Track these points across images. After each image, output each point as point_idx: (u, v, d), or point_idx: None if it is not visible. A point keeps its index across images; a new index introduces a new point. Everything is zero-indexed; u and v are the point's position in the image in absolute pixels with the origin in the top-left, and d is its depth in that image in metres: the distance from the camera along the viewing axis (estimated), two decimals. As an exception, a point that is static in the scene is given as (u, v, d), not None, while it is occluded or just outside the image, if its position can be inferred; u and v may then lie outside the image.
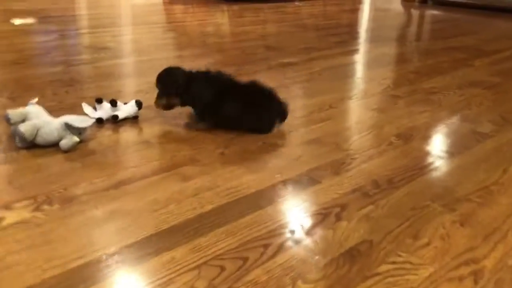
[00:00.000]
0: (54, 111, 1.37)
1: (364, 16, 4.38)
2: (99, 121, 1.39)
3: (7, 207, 0.98)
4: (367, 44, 2.94)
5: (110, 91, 1.73)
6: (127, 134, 1.38)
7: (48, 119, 1.27)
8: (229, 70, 2.03)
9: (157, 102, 1.45)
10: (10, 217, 0.94)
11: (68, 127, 1.25)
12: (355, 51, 2.70)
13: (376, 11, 4.68)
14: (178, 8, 4.12)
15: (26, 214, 0.96)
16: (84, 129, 1.28)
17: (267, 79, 2.01)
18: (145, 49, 2.50)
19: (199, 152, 1.27)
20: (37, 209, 0.98)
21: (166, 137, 1.37)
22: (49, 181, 1.09)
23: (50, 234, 0.90)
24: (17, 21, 3.07)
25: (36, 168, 1.15)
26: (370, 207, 1.03)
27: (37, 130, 1.22)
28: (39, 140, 1.24)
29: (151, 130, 1.41)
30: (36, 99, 1.32)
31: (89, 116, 1.35)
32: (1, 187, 1.05)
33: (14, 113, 1.23)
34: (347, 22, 3.90)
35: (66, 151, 1.24)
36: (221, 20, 3.68)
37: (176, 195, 1.05)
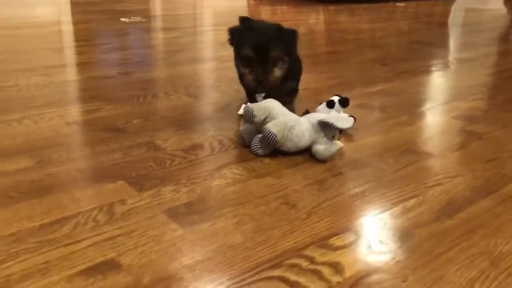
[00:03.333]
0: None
1: (475, 16, 3.95)
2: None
3: (323, 244, 0.65)
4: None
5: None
6: (381, 138, 1.04)
7: (295, 116, 0.95)
8: (406, 67, 1.76)
9: (266, 78, 1.02)
10: (346, 261, 0.62)
11: (324, 127, 0.93)
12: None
13: (486, 12, 4.24)
14: (266, 8, 3.80)
15: (359, 252, 0.63)
16: (339, 131, 0.96)
17: (464, 78, 1.66)
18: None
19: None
20: (369, 247, 0.65)
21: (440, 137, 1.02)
22: (343, 205, 0.76)
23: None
24: (126, 19, 2.84)
25: (309, 186, 0.82)
26: None
27: (287, 132, 0.91)
28: (289, 144, 0.91)
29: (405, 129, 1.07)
30: (263, 94, 1.01)
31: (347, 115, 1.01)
32: (289, 217, 0.73)
33: (258, 107, 0.91)
34: (468, 21, 3.49)
35: (324, 161, 0.92)
36: (332, 18, 3.35)
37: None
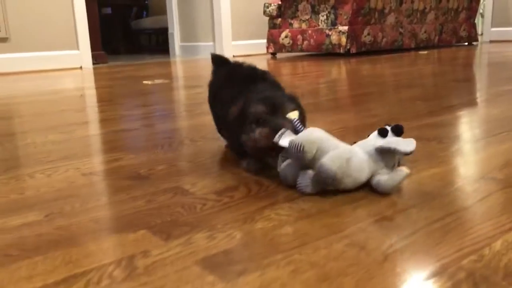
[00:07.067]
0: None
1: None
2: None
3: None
4: None
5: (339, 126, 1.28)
6: (448, 168, 0.88)
7: (347, 146, 0.80)
8: (450, 101, 1.61)
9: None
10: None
11: (384, 155, 0.77)
12: None
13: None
14: (286, 65, 3.76)
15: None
16: (402, 156, 0.80)
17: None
18: (345, 84, 2.09)
19: None
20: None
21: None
22: (424, 243, 0.59)
23: None
24: (149, 82, 2.81)
25: (376, 223, 0.66)
26: None
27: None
28: (347, 181, 0.75)
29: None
30: (295, 112, 0.85)
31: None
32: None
33: (308, 141, 0.76)
34: (495, 61, 3.36)
35: (388, 193, 0.76)
36: (355, 68, 3.27)
37: None
